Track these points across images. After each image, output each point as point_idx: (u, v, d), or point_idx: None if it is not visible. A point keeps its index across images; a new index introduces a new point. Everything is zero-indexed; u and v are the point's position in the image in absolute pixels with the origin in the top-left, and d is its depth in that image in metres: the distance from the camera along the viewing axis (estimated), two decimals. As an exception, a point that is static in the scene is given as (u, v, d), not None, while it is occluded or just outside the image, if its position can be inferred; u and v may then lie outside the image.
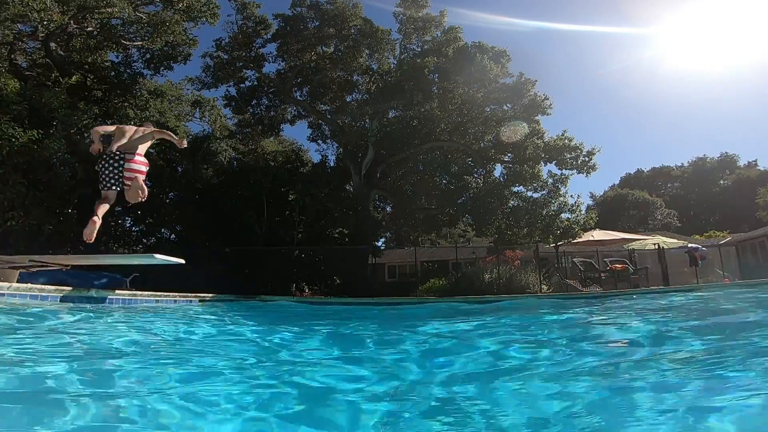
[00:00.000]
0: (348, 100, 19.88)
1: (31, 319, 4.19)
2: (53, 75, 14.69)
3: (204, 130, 20.17)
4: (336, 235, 19.81)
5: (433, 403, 2.04)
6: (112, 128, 4.74)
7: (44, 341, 3.20)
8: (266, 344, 3.94)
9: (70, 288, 6.05)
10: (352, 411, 1.93)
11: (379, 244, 22.59)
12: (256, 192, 16.86)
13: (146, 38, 16.08)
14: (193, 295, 8.63)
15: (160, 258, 5.92)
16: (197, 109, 20.20)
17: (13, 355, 2.63)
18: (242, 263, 15.66)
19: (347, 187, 20.06)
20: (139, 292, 7.47)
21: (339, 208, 19.01)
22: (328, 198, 18.40)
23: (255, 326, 5.51)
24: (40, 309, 4.55)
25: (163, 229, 18.56)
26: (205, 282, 11.74)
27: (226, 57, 19.04)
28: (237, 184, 17.44)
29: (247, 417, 1.83)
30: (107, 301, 6.05)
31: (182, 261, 5.97)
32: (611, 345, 3.82)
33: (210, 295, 9.24)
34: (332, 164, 21.32)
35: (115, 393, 2.09)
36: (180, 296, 8.20)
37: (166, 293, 7.99)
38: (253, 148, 21.38)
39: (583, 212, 17.45)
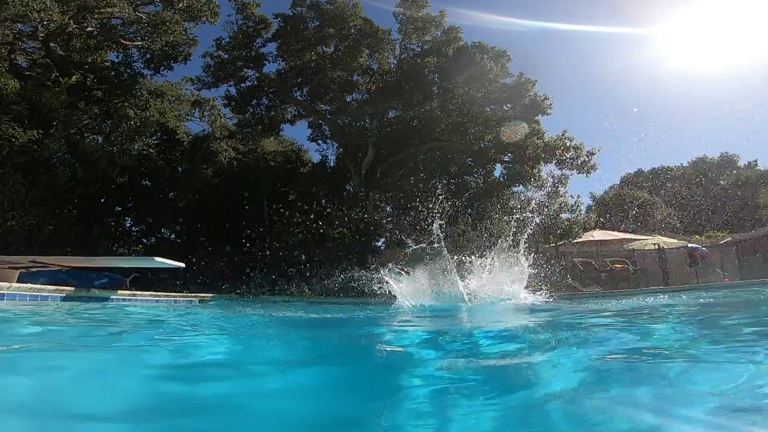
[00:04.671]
0: (348, 100, 19.88)
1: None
2: (53, 75, 14.70)
3: (204, 130, 20.18)
4: (336, 236, 19.82)
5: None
6: None
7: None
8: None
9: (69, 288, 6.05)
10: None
11: (379, 244, 22.59)
12: (256, 192, 16.87)
13: (146, 38, 16.09)
14: (193, 295, 8.64)
15: (159, 261, 5.93)
16: (197, 109, 20.21)
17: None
18: (242, 263, 15.67)
19: (347, 187, 20.07)
20: (139, 293, 7.48)
21: (339, 209, 19.01)
22: (328, 198, 18.41)
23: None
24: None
25: (163, 229, 18.59)
26: (204, 282, 11.75)
27: (226, 56, 19.04)
28: (237, 184, 17.45)
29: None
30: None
31: (182, 265, 5.96)
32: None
33: (210, 295, 9.25)
34: (332, 164, 21.31)
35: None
36: (180, 296, 8.20)
37: (166, 293, 7.99)
38: (252, 148, 21.38)
39: (583, 212, 17.46)
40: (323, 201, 17.95)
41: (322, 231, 18.59)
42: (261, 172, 17.43)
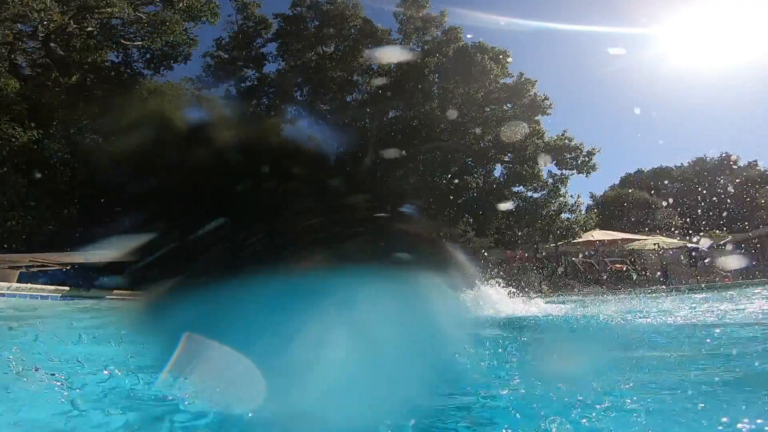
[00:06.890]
0: (348, 100, 19.89)
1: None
2: (53, 75, 14.69)
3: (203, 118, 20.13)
4: (348, 204, 19.73)
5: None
6: None
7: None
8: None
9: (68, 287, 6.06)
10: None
11: (404, 209, 22.50)
12: (254, 167, 16.83)
13: (146, 38, 16.09)
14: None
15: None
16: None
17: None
18: (246, 244, 15.64)
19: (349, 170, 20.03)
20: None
21: (348, 180, 18.93)
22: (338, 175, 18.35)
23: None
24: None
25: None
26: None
27: (226, 56, 19.08)
28: (233, 166, 17.38)
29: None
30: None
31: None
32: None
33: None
34: (332, 165, 21.28)
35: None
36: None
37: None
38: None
39: (583, 212, 17.47)
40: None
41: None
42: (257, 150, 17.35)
